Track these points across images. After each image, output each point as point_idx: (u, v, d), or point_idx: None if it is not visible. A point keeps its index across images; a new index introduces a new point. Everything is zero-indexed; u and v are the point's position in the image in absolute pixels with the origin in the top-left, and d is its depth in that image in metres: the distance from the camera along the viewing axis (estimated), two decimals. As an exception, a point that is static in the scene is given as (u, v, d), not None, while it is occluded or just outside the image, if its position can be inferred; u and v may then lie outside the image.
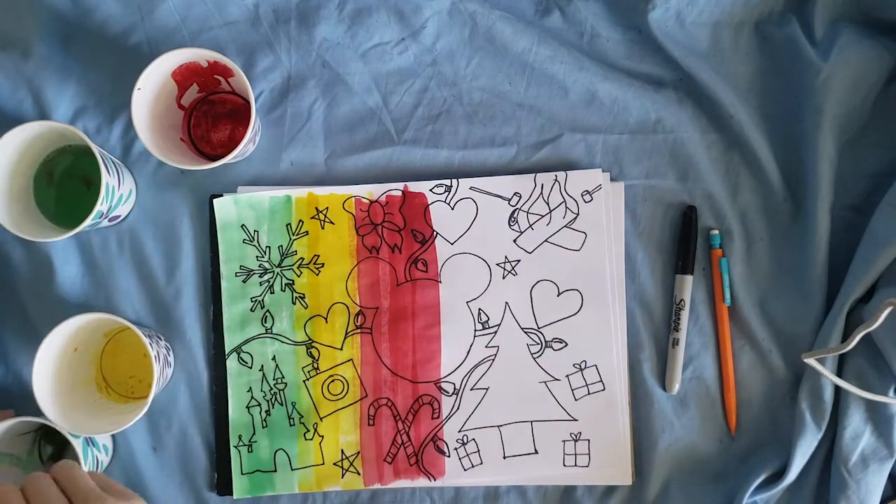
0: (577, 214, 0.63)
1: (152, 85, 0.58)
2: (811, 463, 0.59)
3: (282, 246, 0.64)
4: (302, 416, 0.63)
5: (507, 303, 0.63)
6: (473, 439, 0.63)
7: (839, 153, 0.60)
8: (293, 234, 0.64)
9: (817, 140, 0.60)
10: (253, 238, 0.64)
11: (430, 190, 0.64)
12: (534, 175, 0.64)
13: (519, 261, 0.64)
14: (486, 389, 0.63)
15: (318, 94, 0.64)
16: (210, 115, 0.64)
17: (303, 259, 0.64)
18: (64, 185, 0.62)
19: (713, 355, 0.63)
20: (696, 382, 0.63)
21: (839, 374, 0.59)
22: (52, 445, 0.62)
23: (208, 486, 0.63)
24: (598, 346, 0.63)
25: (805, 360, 0.57)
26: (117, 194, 0.59)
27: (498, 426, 0.63)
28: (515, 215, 0.64)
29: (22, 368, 0.63)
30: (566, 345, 0.63)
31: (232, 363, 0.63)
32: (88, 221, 0.56)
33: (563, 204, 0.63)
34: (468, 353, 0.63)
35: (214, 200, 0.63)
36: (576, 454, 0.63)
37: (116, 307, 0.63)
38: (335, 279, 0.64)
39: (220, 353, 0.63)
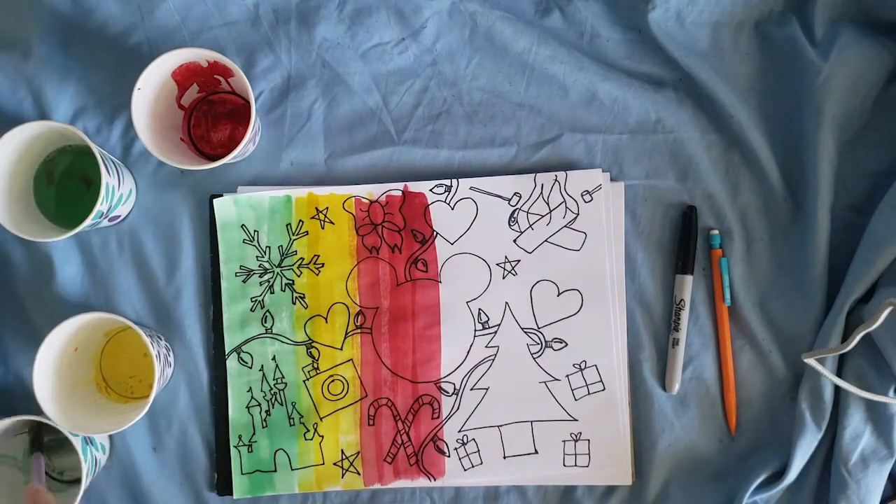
0: (577, 214, 0.63)
1: (152, 85, 0.58)
2: (811, 463, 0.59)
3: (282, 246, 0.64)
4: (302, 416, 0.63)
5: (507, 303, 0.63)
6: (473, 439, 0.63)
7: (839, 153, 0.61)
8: (293, 234, 0.64)
9: (817, 140, 0.60)
10: (253, 238, 0.64)
11: (430, 190, 0.64)
12: (534, 175, 0.64)
13: (519, 261, 0.64)
14: (486, 389, 0.63)
15: (318, 94, 0.64)
16: (210, 115, 0.64)
17: (303, 259, 0.64)
18: (64, 185, 0.62)
19: (713, 355, 0.63)
20: (696, 382, 0.63)
21: (839, 374, 0.59)
22: (50, 445, 0.62)
23: (208, 486, 0.63)
24: (598, 346, 0.63)
25: (805, 360, 0.57)
26: (117, 194, 0.59)
27: (498, 426, 0.63)
28: (515, 215, 0.64)
29: (22, 368, 0.63)
30: (566, 345, 0.63)
31: (232, 363, 0.63)
32: (88, 221, 0.56)
33: (563, 204, 0.63)
34: (468, 353, 0.63)
35: (214, 200, 0.63)
36: (576, 454, 0.63)
37: (116, 307, 0.63)
38: (335, 279, 0.64)
39: (220, 353, 0.63)
